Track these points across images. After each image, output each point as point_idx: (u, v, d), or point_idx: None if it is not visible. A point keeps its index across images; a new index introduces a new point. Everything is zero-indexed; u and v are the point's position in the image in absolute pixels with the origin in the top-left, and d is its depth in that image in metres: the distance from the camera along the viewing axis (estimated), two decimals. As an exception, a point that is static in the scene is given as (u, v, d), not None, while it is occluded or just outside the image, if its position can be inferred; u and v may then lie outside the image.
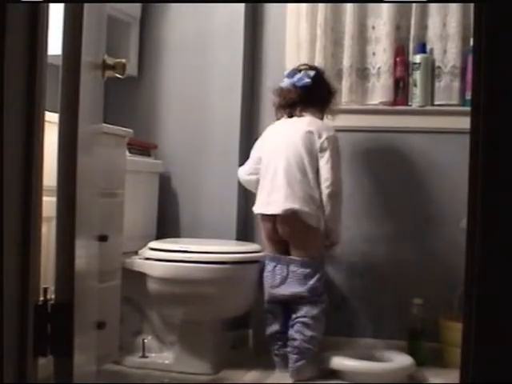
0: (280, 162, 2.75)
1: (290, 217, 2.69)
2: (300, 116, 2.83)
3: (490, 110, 1.13)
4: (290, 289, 2.71)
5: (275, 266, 2.74)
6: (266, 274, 2.76)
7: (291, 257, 2.73)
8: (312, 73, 2.84)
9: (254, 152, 2.93)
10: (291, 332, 2.69)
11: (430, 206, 3.04)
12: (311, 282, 2.70)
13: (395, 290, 3.03)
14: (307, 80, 2.82)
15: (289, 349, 2.68)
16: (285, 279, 2.72)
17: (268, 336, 2.76)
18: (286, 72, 2.92)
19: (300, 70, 2.85)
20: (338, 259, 3.03)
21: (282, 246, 2.76)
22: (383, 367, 2.68)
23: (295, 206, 2.68)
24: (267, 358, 2.77)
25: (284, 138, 2.79)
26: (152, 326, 2.83)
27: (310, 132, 2.75)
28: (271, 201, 2.74)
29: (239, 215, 3.14)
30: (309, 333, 2.67)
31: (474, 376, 1.14)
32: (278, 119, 2.91)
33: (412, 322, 2.92)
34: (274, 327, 2.75)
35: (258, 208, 2.81)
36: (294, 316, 2.70)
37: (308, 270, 2.71)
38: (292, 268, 2.72)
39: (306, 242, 2.74)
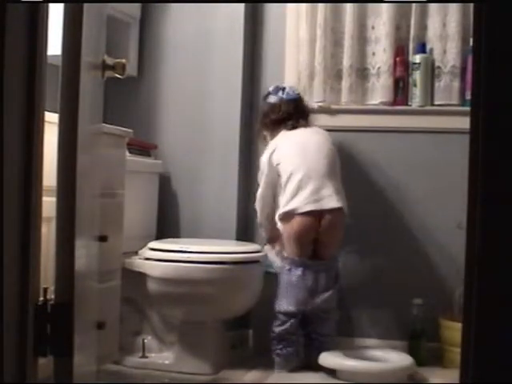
0: (322, 163, 2.79)
1: (339, 212, 2.77)
2: (306, 126, 2.91)
3: (489, 110, 1.13)
4: (326, 293, 2.78)
5: (304, 272, 2.75)
6: (296, 279, 2.75)
7: (321, 261, 2.80)
8: (295, 88, 2.99)
9: (268, 163, 2.87)
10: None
11: (430, 205, 3.04)
12: (337, 281, 2.84)
13: (395, 290, 3.03)
14: (296, 93, 2.96)
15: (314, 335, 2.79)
16: (317, 284, 2.77)
17: (276, 335, 2.76)
18: (270, 89, 2.99)
19: (283, 88, 2.97)
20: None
21: (309, 248, 2.79)
22: (383, 367, 2.68)
23: (343, 201, 2.79)
24: (267, 358, 2.77)
25: (314, 144, 2.83)
26: (152, 326, 2.83)
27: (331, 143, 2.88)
28: (322, 196, 2.75)
29: (239, 215, 3.14)
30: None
31: (473, 376, 1.14)
32: (263, 138, 2.98)
33: (412, 322, 2.92)
34: (285, 327, 2.74)
35: (305, 206, 2.74)
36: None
37: (334, 270, 2.84)
38: (322, 272, 2.78)
39: (338, 238, 2.84)
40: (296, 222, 2.77)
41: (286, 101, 2.92)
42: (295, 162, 2.81)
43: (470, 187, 1.16)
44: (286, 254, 2.82)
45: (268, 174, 2.87)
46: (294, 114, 2.91)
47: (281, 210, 2.81)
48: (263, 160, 2.91)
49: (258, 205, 2.94)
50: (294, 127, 2.90)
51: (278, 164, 2.84)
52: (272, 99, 2.95)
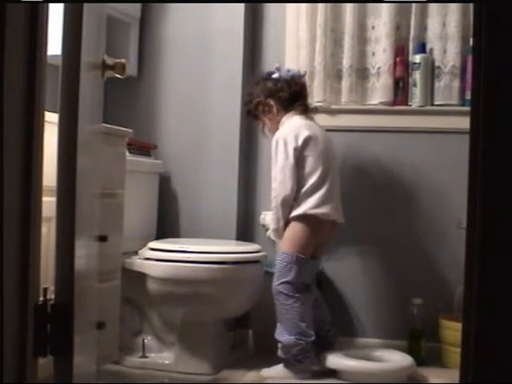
0: (335, 172, 2.77)
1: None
2: (312, 115, 2.83)
3: (489, 110, 1.13)
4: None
5: (307, 269, 2.73)
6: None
7: (318, 261, 2.83)
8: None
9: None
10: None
11: (430, 205, 3.04)
12: None
13: (395, 290, 3.03)
14: (301, 72, 2.92)
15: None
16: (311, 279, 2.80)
17: (311, 344, 2.66)
18: (276, 66, 2.90)
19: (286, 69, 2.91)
20: (339, 258, 3.05)
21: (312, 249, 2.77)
22: (383, 367, 2.68)
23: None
24: (267, 358, 2.76)
25: (326, 147, 2.75)
26: (152, 326, 2.83)
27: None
28: (338, 209, 2.76)
29: (239, 215, 3.14)
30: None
31: (473, 376, 1.14)
32: (262, 125, 2.86)
33: (412, 322, 2.92)
34: (303, 346, 2.65)
35: (326, 209, 2.68)
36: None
37: None
38: (316, 269, 2.85)
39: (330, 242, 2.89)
40: (314, 223, 2.68)
41: (297, 76, 2.83)
42: (325, 162, 2.70)
43: (469, 187, 1.16)
44: (288, 251, 2.68)
45: (294, 163, 2.65)
46: (304, 91, 2.82)
47: (301, 210, 2.67)
48: (290, 144, 2.66)
49: (282, 201, 2.65)
50: (304, 110, 2.78)
51: (306, 155, 2.68)
52: (279, 74, 2.81)
